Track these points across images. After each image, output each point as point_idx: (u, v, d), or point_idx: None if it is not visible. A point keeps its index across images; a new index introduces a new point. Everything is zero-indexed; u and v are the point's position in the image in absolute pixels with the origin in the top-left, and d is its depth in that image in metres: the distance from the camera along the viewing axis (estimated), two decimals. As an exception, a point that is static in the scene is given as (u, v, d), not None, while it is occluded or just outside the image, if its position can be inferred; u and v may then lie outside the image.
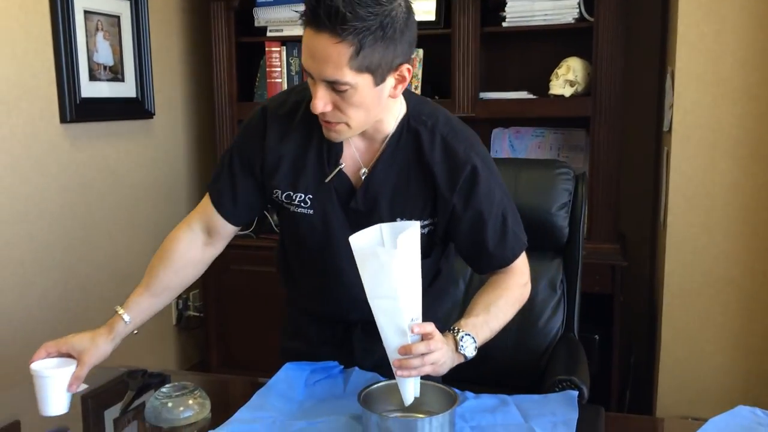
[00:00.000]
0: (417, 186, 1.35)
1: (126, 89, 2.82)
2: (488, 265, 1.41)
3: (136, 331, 1.42)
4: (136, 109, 2.88)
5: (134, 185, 2.92)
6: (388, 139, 1.34)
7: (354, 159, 1.36)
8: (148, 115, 2.94)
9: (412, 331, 1.16)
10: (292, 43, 2.98)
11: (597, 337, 2.61)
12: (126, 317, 1.38)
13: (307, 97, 1.33)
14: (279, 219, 1.49)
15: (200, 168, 3.32)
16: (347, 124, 1.24)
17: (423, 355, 1.16)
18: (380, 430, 1.14)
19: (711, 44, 2.29)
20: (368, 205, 1.36)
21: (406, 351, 1.16)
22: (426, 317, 1.26)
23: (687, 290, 2.42)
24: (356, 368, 1.42)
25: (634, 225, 3.02)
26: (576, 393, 1.33)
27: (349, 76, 1.15)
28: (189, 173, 3.27)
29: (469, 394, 1.34)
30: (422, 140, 1.33)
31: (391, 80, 1.22)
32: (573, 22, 2.64)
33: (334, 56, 1.14)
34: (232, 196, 1.43)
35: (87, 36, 2.59)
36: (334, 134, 1.27)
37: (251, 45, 3.07)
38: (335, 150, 1.35)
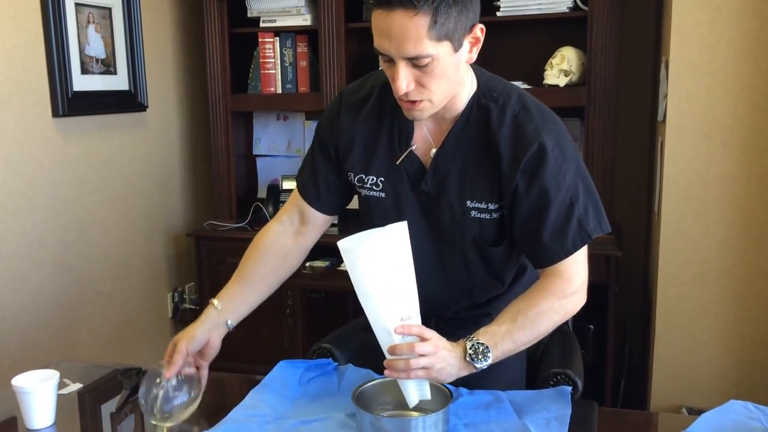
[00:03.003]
0: (485, 166, 1.29)
1: (118, 82, 2.80)
2: (546, 255, 1.29)
3: (230, 323, 1.45)
4: (128, 101, 2.86)
5: (128, 178, 2.91)
6: (458, 117, 1.30)
7: (425, 140, 1.33)
8: (141, 107, 2.92)
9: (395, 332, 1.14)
10: (285, 34, 2.96)
11: (592, 326, 2.62)
12: (216, 303, 1.41)
13: (381, 81, 1.33)
14: (358, 204, 1.47)
15: (194, 160, 3.30)
16: (430, 101, 1.21)
17: (414, 357, 1.13)
18: (374, 429, 1.15)
19: (705, 33, 2.29)
20: (437, 186, 1.32)
21: (393, 351, 1.15)
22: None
23: (681, 280, 2.43)
24: (350, 365, 1.42)
25: (628, 215, 3.02)
26: (569, 389, 1.33)
27: (430, 47, 1.13)
28: (183, 166, 3.25)
29: (462, 390, 1.34)
30: (492, 118, 1.27)
31: (466, 44, 1.19)
32: (567, 11, 2.63)
33: (412, 30, 1.11)
34: (314, 183, 1.45)
35: (78, 29, 2.57)
36: (417, 113, 1.23)
37: (244, 36, 3.05)
38: (406, 132, 1.33)
